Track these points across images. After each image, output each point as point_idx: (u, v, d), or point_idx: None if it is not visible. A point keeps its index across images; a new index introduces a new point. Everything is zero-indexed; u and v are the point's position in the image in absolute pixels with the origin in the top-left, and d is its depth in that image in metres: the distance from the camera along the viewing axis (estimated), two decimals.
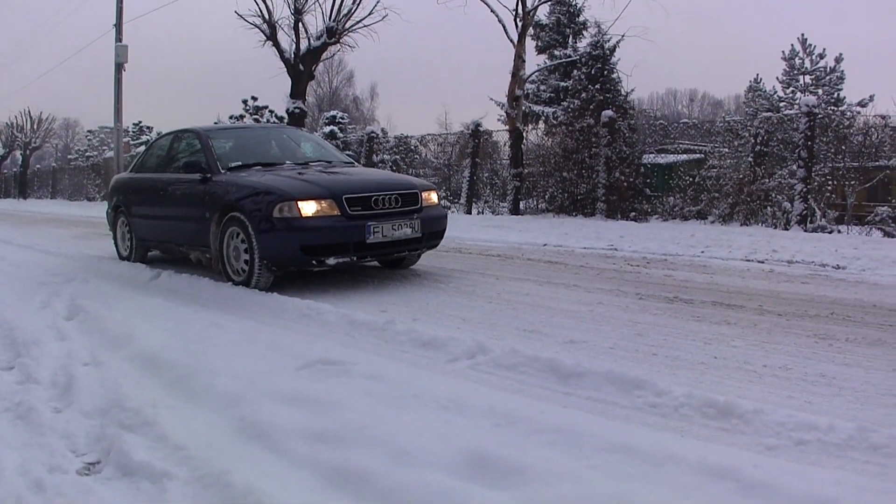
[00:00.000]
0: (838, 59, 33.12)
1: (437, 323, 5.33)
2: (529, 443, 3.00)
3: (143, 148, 31.61)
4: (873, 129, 13.52)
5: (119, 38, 25.84)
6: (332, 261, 6.60)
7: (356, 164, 9.12)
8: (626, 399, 3.56)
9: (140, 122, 43.42)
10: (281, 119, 24.83)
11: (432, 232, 7.33)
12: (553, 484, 2.61)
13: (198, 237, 7.49)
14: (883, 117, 13.74)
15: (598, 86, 16.78)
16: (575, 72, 18.93)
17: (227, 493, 2.66)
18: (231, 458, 2.94)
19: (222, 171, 7.42)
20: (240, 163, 7.61)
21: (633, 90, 19.19)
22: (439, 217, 7.51)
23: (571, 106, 16.51)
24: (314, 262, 6.61)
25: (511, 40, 17.18)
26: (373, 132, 21.18)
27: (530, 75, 20.42)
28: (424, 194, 7.30)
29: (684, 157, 16.31)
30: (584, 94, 16.47)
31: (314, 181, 6.90)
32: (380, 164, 19.22)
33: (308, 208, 6.48)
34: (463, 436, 3.05)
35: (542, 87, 26.93)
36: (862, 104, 26.33)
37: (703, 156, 15.71)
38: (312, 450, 2.98)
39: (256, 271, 6.64)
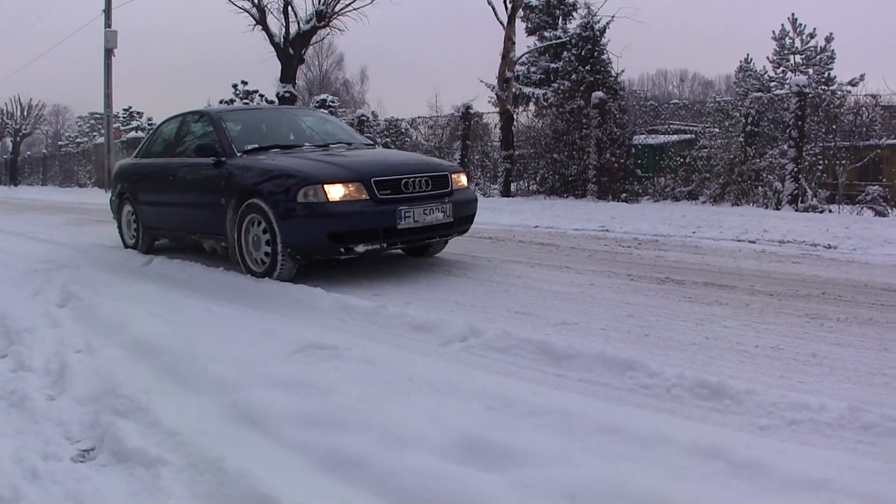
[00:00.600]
0: (829, 39, 33.18)
1: (430, 306, 5.33)
2: (522, 425, 3.01)
3: (133, 134, 31.43)
4: (864, 109, 13.58)
5: (108, 24, 25.75)
6: (360, 248, 6.22)
7: (376, 145, 8.81)
8: (618, 380, 3.57)
9: (130, 107, 43.21)
10: (271, 103, 24.73)
11: (463, 216, 6.95)
12: (546, 466, 2.62)
13: (212, 225, 7.09)
14: (873, 96, 13.82)
15: (588, 67, 16.78)
16: (565, 53, 18.91)
17: (222, 479, 2.66)
18: (225, 443, 2.95)
19: (238, 154, 7.01)
20: (256, 145, 7.24)
21: (623, 71, 19.11)
22: (470, 200, 7.12)
23: (562, 87, 16.51)
24: (342, 249, 6.22)
25: (501, 22, 17.12)
26: (363, 115, 21.12)
27: (520, 57, 20.36)
28: (454, 176, 6.92)
29: (675, 137, 16.37)
30: (574, 76, 16.46)
31: (339, 163, 6.53)
32: None
33: (335, 192, 6.09)
34: (456, 419, 3.06)
35: (533, 69, 26.84)
36: (852, 83, 26.45)
37: (693, 136, 15.76)
38: (306, 435, 2.99)
39: (279, 261, 6.25)
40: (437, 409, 3.19)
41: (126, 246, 9.07)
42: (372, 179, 6.22)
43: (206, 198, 7.16)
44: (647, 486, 2.45)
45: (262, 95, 28.37)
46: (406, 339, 4.49)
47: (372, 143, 8.58)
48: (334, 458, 2.79)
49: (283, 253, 6.22)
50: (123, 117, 41.31)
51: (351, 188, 6.15)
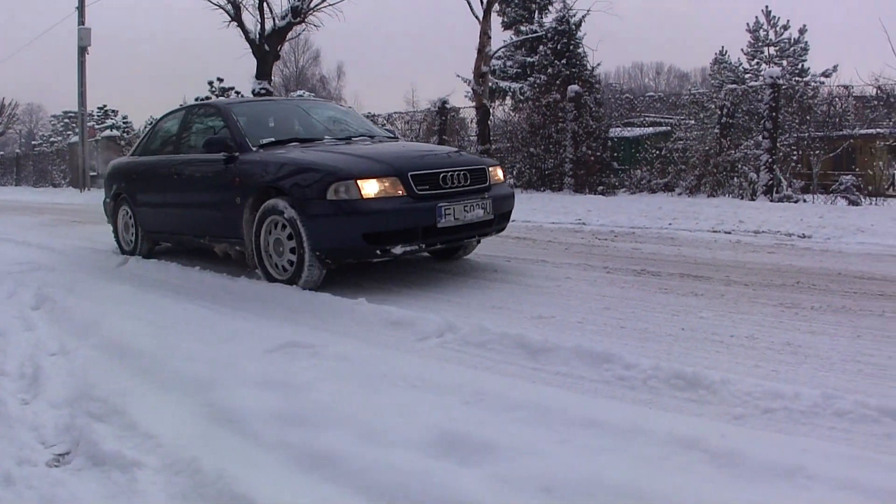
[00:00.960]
0: (802, 31, 33.39)
1: (406, 302, 5.32)
2: (499, 419, 3.01)
3: (108, 132, 31.03)
4: (837, 99, 13.70)
5: (82, 21, 25.50)
6: (398, 249, 5.64)
7: (399, 138, 8.36)
8: (594, 373, 3.58)
9: (105, 105, 42.72)
10: None
11: (502, 213, 6.47)
12: (522, 460, 2.62)
13: (225, 226, 6.57)
14: (846, 87, 13.96)
15: (564, 61, 16.83)
16: (541, 47, 18.95)
17: (198, 480, 2.64)
18: (201, 444, 2.93)
19: (253, 149, 6.41)
20: (272, 139, 6.60)
21: (599, 64, 19.29)
22: (508, 196, 6.65)
23: (538, 81, 16.58)
24: (378, 251, 5.64)
25: (476, 17, 17.09)
26: None
27: (496, 51, 20.34)
28: (491, 170, 6.43)
29: (651, 130, 16.44)
30: (550, 70, 16.54)
31: (371, 156, 5.98)
32: None
33: (369, 188, 5.51)
34: (432, 414, 3.06)
35: (509, 63, 26.82)
36: (826, 74, 26.66)
37: (669, 129, 15.84)
38: (282, 433, 2.98)
39: (306, 266, 5.68)
40: (414, 405, 3.19)
41: (123, 251, 8.49)
42: (409, 174, 5.70)
43: (217, 197, 6.62)
44: (624, 478, 2.46)
45: (238, 92, 28.23)
46: (383, 335, 4.48)
47: (393, 136, 8.08)
48: (311, 456, 2.78)
49: (311, 257, 5.68)
50: (98, 116, 40.90)
51: (386, 183, 5.62)
